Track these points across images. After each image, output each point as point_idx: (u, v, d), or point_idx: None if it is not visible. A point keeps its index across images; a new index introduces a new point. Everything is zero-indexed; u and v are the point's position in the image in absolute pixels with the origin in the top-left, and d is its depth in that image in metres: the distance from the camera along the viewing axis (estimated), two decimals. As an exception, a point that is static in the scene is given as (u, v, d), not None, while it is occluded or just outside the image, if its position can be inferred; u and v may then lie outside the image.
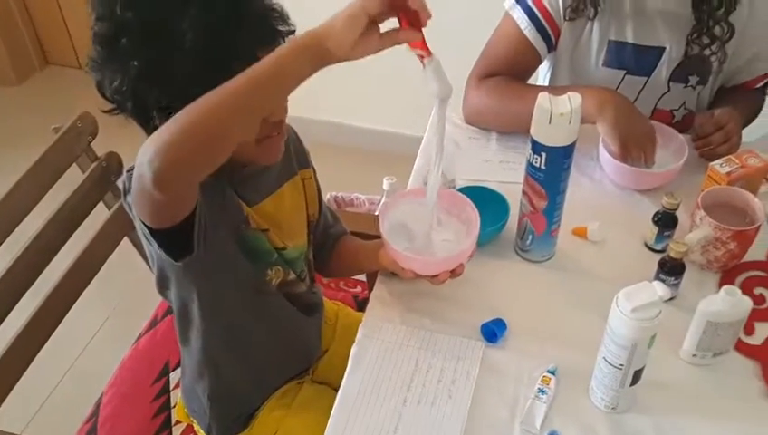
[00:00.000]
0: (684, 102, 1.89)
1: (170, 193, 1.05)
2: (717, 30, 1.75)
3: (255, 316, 1.45)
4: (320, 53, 1.02)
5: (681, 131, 1.76)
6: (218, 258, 1.29)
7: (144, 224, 1.16)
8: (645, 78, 1.84)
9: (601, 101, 1.64)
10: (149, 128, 1.17)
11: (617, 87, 1.84)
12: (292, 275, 1.47)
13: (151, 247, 1.25)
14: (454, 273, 1.37)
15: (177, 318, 1.45)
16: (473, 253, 1.38)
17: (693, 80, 1.85)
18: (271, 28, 1.16)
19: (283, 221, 1.41)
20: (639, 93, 1.86)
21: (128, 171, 1.23)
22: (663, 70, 1.82)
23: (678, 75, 1.83)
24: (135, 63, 1.09)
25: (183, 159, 1.00)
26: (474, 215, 1.38)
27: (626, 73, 1.84)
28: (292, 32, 1.19)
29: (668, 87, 1.85)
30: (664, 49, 1.80)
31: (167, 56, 1.09)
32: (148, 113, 1.15)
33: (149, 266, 1.38)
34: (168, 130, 0.98)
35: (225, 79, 1.01)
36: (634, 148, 1.65)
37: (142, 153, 0.99)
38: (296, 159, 1.47)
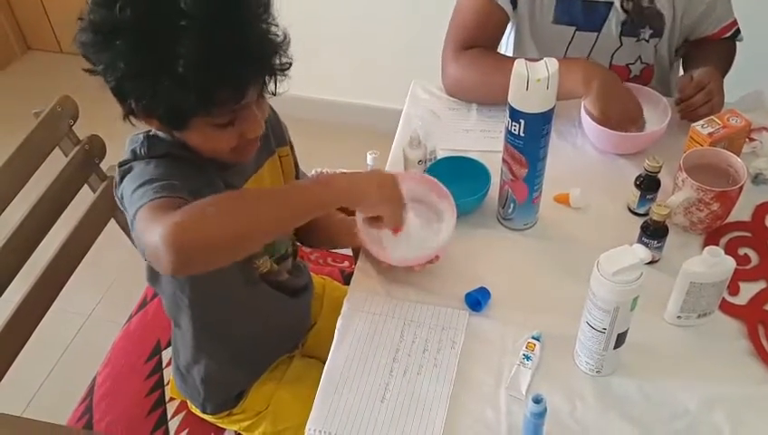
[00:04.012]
0: (639, 56, 1.88)
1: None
2: None
3: (244, 306, 1.46)
4: (347, 202, 1.21)
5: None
6: None
7: None
8: (595, 33, 1.83)
9: (587, 76, 1.63)
10: (125, 105, 1.16)
11: (568, 44, 1.84)
12: (276, 267, 1.47)
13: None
14: (430, 262, 1.40)
15: (169, 307, 1.47)
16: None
17: (645, 33, 1.84)
18: (268, 65, 1.14)
19: None
20: (592, 49, 1.85)
21: (119, 165, 1.23)
22: (612, 24, 1.81)
23: (629, 29, 1.83)
24: (122, 66, 1.07)
25: (205, 260, 1.06)
26: (449, 205, 1.39)
27: (576, 29, 1.82)
28: (290, 64, 1.17)
29: (620, 42, 1.84)
30: (611, 3, 1.79)
31: (154, 73, 1.07)
32: (126, 98, 1.14)
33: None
34: (194, 231, 1.02)
35: (208, 103, 1.08)
36: (617, 124, 1.65)
37: (156, 237, 1.01)
38: (274, 137, 1.46)
